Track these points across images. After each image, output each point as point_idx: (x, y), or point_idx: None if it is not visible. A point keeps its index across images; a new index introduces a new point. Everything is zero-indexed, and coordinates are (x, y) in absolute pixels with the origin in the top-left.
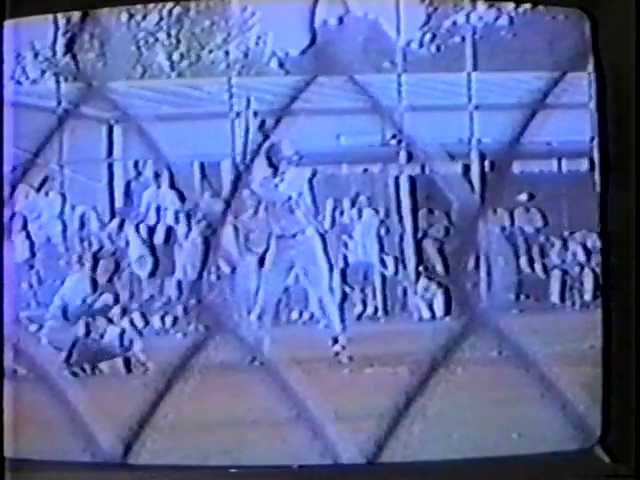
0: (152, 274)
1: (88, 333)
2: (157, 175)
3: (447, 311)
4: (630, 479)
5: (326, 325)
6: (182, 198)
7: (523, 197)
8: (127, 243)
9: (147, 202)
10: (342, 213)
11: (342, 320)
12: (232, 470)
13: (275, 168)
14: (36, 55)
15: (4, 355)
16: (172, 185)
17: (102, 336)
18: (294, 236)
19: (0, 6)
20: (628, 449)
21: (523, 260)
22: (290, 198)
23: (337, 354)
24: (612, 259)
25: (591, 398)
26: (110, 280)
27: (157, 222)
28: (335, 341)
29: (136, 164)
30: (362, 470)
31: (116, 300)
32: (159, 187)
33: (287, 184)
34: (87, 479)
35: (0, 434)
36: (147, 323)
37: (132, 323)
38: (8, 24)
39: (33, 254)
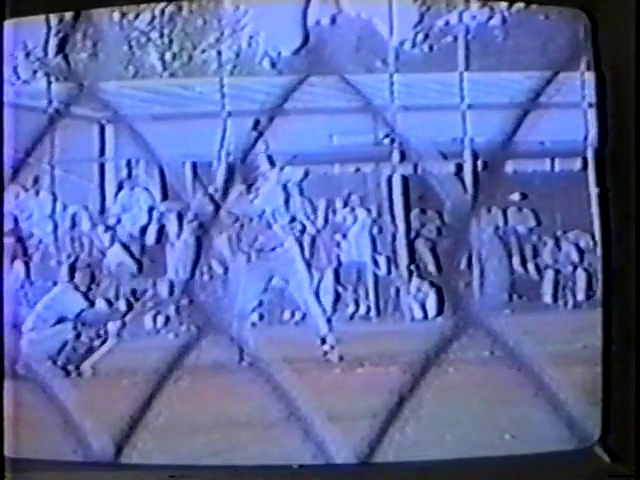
0: (136, 275)
1: (78, 334)
2: (130, 176)
3: (439, 311)
4: (630, 479)
5: (316, 325)
6: (165, 197)
7: (516, 196)
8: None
9: (121, 204)
10: (335, 212)
11: (329, 321)
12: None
13: (251, 183)
14: (27, 55)
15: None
16: (163, 184)
17: (92, 337)
18: (273, 249)
19: (0, 6)
20: (628, 449)
21: (516, 260)
22: (265, 212)
23: (326, 354)
24: (612, 258)
25: (586, 398)
26: (100, 280)
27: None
28: (323, 341)
29: (128, 163)
30: (355, 471)
31: (107, 300)
32: (132, 188)
33: (263, 199)
34: (80, 479)
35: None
36: (139, 323)
37: (123, 323)
38: (7, 24)
39: (24, 254)
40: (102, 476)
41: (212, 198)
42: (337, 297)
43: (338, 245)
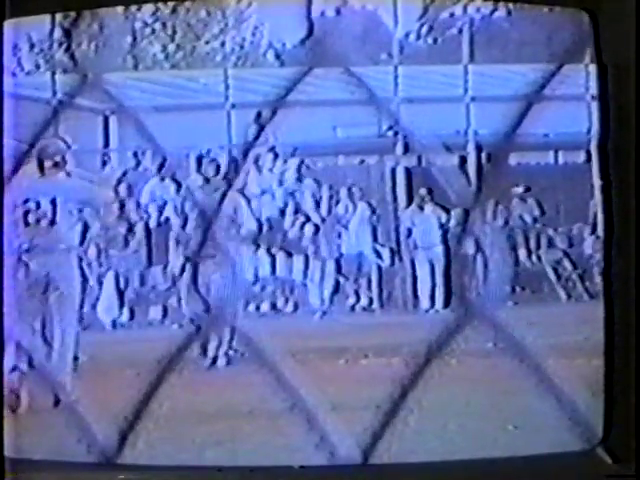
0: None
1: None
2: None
3: (443, 303)
4: None
5: (321, 315)
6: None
7: (519, 189)
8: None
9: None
10: (337, 204)
11: (332, 312)
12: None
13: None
14: (32, 47)
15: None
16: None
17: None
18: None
19: (0, 5)
20: (630, 450)
21: (519, 252)
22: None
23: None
24: (613, 250)
25: (587, 390)
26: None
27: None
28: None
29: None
30: (359, 466)
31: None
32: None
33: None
34: (83, 475)
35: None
36: (143, 313)
37: (130, 313)
38: (8, 22)
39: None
40: (103, 476)
41: (215, 189)
42: (337, 288)
43: (340, 236)
